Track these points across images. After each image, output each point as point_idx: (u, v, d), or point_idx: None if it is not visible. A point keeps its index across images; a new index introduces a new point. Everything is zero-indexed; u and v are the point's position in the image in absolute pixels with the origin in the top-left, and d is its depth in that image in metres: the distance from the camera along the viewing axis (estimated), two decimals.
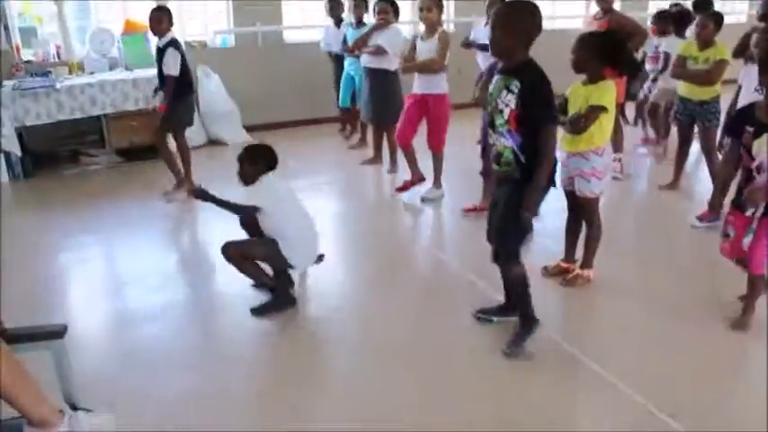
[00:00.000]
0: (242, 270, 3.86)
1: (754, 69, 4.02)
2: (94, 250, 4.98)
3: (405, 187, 5.87)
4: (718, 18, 5.28)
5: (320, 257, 4.42)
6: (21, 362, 2.00)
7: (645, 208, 5.79)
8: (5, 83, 6.72)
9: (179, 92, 5.74)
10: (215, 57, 8.12)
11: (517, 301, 3.43)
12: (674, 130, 6.05)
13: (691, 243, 4.77)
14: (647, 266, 4.35)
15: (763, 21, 5.49)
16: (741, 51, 5.58)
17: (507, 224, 3.22)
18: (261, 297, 3.94)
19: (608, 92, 3.69)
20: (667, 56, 6.46)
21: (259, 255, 3.86)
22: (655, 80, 6.88)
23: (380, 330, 3.62)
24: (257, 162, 3.84)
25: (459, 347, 3.42)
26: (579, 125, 3.69)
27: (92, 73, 7.27)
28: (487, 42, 3.28)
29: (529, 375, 3.16)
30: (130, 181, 6.48)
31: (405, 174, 6.12)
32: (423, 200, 5.73)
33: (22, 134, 6.75)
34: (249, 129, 8.05)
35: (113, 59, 7.51)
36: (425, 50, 5.40)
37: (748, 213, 3.40)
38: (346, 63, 7.34)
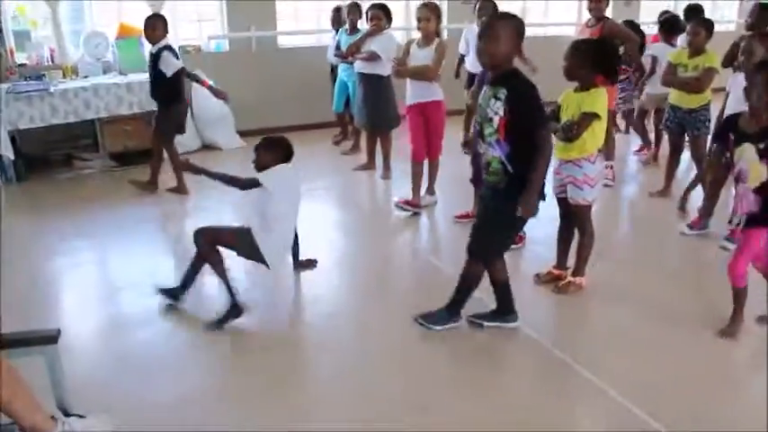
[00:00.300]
0: (209, 261, 3.79)
1: (741, 78, 4.07)
2: (88, 255, 4.97)
3: (406, 203, 5.64)
4: (709, 25, 5.33)
5: (313, 263, 4.43)
6: (14, 368, 2.01)
7: (636, 215, 5.82)
8: None
9: (168, 98, 5.76)
10: (209, 61, 8.12)
11: (497, 297, 3.60)
12: (665, 137, 6.09)
13: (681, 250, 4.80)
14: (639, 274, 4.38)
15: (751, 30, 5.53)
16: (730, 60, 5.64)
17: (489, 233, 3.36)
18: (249, 299, 3.95)
19: (600, 99, 3.73)
20: (654, 60, 6.50)
21: (230, 241, 3.85)
22: (642, 86, 6.89)
23: (375, 335, 3.64)
24: (274, 151, 3.93)
25: (451, 352, 3.43)
26: (572, 132, 3.71)
27: (86, 77, 7.26)
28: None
29: (520, 382, 3.19)
30: (124, 185, 6.46)
31: (399, 181, 6.13)
32: None
33: (16, 138, 6.73)
34: (243, 134, 8.04)
35: (107, 63, 7.49)
36: (421, 58, 5.39)
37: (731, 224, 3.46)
38: (340, 69, 7.36)
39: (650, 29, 8.00)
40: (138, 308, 4.00)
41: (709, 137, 5.23)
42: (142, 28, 5.83)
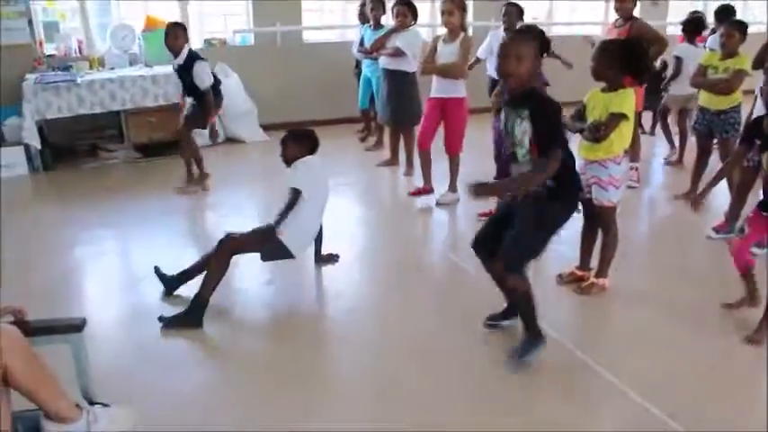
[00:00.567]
0: (217, 265, 3.75)
1: None
2: (111, 244, 5.02)
3: (417, 193, 5.91)
4: (743, 28, 5.25)
5: (334, 257, 4.44)
6: (40, 355, 2.03)
7: (661, 217, 5.76)
8: (27, 76, 6.80)
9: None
10: (234, 55, 8.16)
11: (521, 316, 3.34)
12: (693, 139, 6.01)
13: (706, 253, 4.74)
14: (663, 276, 4.33)
15: None
16: (761, 62, 5.55)
17: (522, 240, 3.17)
18: (270, 293, 3.96)
19: (628, 99, 3.68)
20: (679, 60, 6.44)
21: (255, 248, 3.88)
22: (666, 86, 6.81)
23: (395, 332, 3.64)
24: (301, 144, 3.98)
25: (472, 352, 3.42)
26: (599, 133, 3.66)
27: (112, 68, 7.33)
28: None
29: (542, 383, 3.15)
30: (148, 176, 6.52)
31: (421, 178, 6.12)
32: (438, 204, 5.74)
33: (43, 127, 6.83)
34: (266, 128, 8.08)
35: (134, 55, 7.56)
36: (447, 54, 5.40)
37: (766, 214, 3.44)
38: (364, 65, 7.36)
39: (676, 28, 7.91)
40: (159, 298, 4.03)
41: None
42: (164, 38, 5.83)
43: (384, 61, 6.33)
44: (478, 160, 6.13)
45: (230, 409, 2.97)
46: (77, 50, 7.48)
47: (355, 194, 6.23)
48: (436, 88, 5.55)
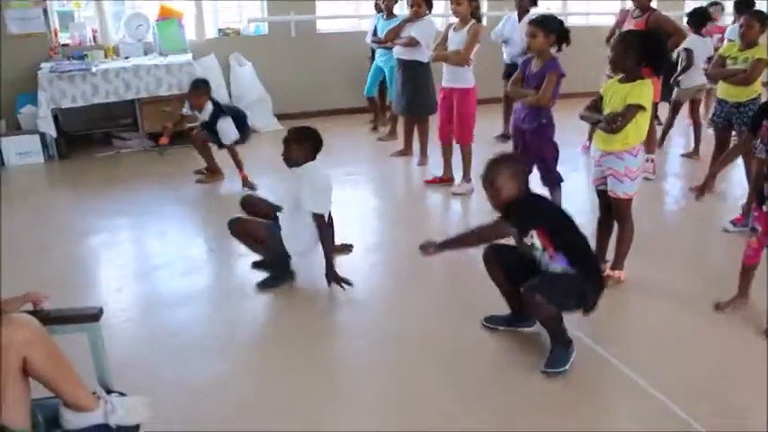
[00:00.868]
0: (246, 244, 4.00)
1: None
2: (126, 233, 5.04)
3: (434, 182, 5.93)
4: (762, 17, 5.19)
5: (349, 247, 4.43)
6: (57, 344, 2.03)
7: (677, 210, 5.71)
8: (43, 65, 6.82)
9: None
10: (248, 44, 8.15)
11: (549, 332, 3.20)
12: (710, 132, 5.95)
13: (723, 246, 4.71)
14: (679, 269, 4.30)
15: None
16: None
17: (564, 290, 3.10)
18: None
19: (646, 91, 3.63)
20: (689, 53, 6.39)
21: (261, 237, 3.93)
22: (677, 79, 6.76)
23: (409, 323, 3.63)
24: (302, 143, 3.92)
25: (487, 344, 3.41)
26: (616, 124, 3.62)
27: (126, 57, 7.34)
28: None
29: (558, 377, 3.13)
30: (162, 165, 6.53)
31: (436, 168, 6.12)
32: (453, 194, 5.73)
33: (58, 116, 6.86)
34: (280, 117, 8.08)
35: (148, 44, 7.57)
36: (456, 41, 5.43)
37: (765, 208, 3.41)
38: (377, 54, 7.33)
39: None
40: (176, 287, 4.06)
41: None
42: (189, 97, 5.86)
43: (398, 51, 6.31)
44: (494, 151, 6.09)
45: (245, 399, 2.98)
46: (92, 39, 7.50)
47: (369, 185, 6.22)
48: (445, 77, 5.63)
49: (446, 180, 5.93)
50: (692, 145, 6.91)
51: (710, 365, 3.22)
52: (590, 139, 6.55)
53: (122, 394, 2.18)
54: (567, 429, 2.78)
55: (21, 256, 4.37)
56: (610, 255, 4.06)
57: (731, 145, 5.53)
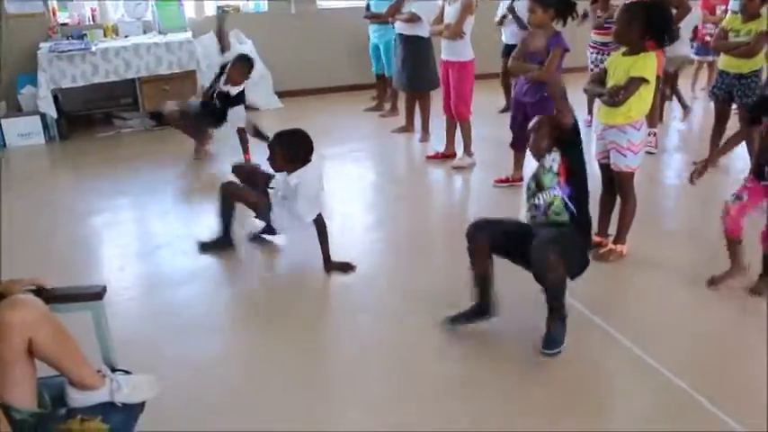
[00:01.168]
0: (223, 206, 4.07)
1: None
2: (127, 212, 5.04)
3: (436, 157, 5.91)
4: None
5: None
6: (61, 323, 2.04)
7: (679, 184, 5.68)
8: (42, 45, 6.79)
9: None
10: (248, 22, 8.08)
11: (553, 298, 3.05)
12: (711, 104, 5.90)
13: None
14: (681, 243, 4.30)
15: None
16: None
17: (559, 241, 3.04)
18: (285, 259, 3.98)
19: (650, 63, 3.61)
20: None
21: (251, 204, 4.00)
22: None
23: (412, 300, 3.63)
24: (289, 149, 3.78)
25: (490, 320, 3.41)
26: (618, 97, 3.59)
27: (126, 36, 7.29)
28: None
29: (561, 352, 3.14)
30: (163, 144, 6.52)
31: (437, 144, 6.09)
32: (454, 167, 5.72)
33: (58, 96, 6.83)
34: (281, 95, 8.05)
35: (147, 23, 7.52)
36: (451, 15, 5.45)
37: (765, 183, 3.38)
38: (370, 31, 7.28)
39: None
40: (178, 265, 4.07)
41: None
42: (232, 66, 5.76)
43: (399, 26, 6.26)
44: (489, 126, 6.09)
45: (245, 376, 3.00)
46: (91, 19, 7.45)
47: (370, 161, 6.20)
48: (443, 51, 5.64)
49: (448, 155, 5.90)
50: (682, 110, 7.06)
51: (712, 338, 3.24)
52: (589, 111, 6.54)
53: (127, 372, 2.19)
54: (569, 402, 2.79)
55: (23, 238, 4.38)
56: (612, 229, 4.06)
57: (730, 116, 5.51)
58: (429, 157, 5.96)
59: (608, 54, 5.68)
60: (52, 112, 6.68)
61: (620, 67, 3.68)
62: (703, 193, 5.18)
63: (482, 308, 3.25)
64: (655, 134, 6.05)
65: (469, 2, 5.36)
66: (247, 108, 6.06)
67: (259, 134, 5.73)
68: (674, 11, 5.69)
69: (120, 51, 6.83)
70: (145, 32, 7.42)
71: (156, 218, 4.92)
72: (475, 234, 3.23)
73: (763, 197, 3.49)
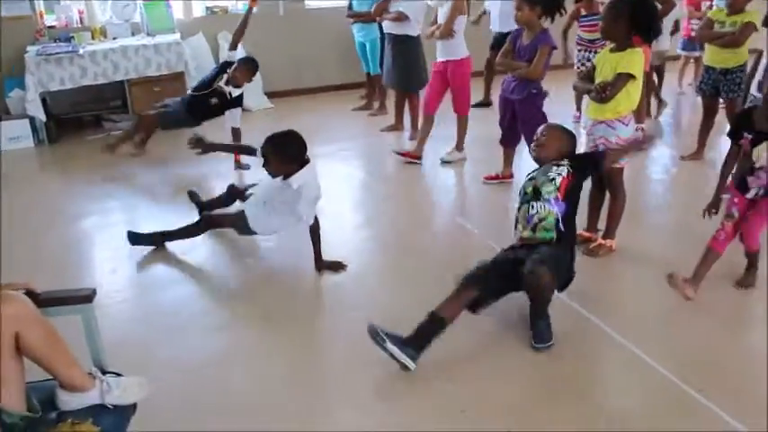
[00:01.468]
0: (194, 233, 4.19)
1: None
2: (117, 215, 5.03)
3: (405, 155, 5.86)
4: None
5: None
6: (52, 325, 2.03)
7: (668, 179, 5.72)
8: (29, 48, 6.77)
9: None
10: (236, 23, 8.02)
11: (539, 307, 3.11)
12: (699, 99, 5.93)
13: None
14: (670, 237, 4.33)
15: None
16: None
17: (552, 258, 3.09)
18: (276, 259, 3.98)
19: (636, 59, 3.63)
20: None
21: (229, 226, 4.15)
22: None
23: (403, 297, 3.64)
24: (281, 153, 3.78)
25: (482, 318, 3.39)
26: (605, 93, 3.61)
27: (114, 38, 7.27)
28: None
29: (551, 348, 3.15)
30: (153, 146, 6.49)
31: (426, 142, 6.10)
32: (443, 161, 5.74)
33: (46, 99, 6.81)
34: (271, 95, 8.05)
35: (135, 25, 7.51)
36: (442, 15, 5.50)
37: (749, 195, 3.39)
38: (354, 30, 7.29)
39: None
40: (167, 268, 4.06)
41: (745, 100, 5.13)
42: (237, 67, 5.85)
43: (388, 26, 6.28)
44: (483, 123, 6.10)
45: (241, 378, 3.00)
46: (78, 21, 7.43)
47: (359, 160, 6.21)
48: (439, 52, 5.65)
49: (414, 156, 5.77)
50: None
51: (698, 329, 3.25)
52: (578, 108, 6.57)
53: (118, 374, 2.19)
54: (564, 397, 2.80)
55: (13, 241, 4.36)
56: (601, 224, 4.08)
57: (718, 110, 5.56)
58: (399, 154, 5.89)
59: (594, 51, 5.74)
60: (41, 116, 6.66)
61: (607, 63, 3.71)
62: (691, 186, 5.24)
63: (407, 342, 2.92)
64: (643, 129, 6.07)
65: (461, 4, 5.38)
66: (243, 110, 6.06)
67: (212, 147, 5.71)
68: (659, 6, 5.80)
69: (109, 53, 6.81)
70: (133, 34, 7.40)
71: (146, 220, 4.89)
72: (468, 284, 3.09)
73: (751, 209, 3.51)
